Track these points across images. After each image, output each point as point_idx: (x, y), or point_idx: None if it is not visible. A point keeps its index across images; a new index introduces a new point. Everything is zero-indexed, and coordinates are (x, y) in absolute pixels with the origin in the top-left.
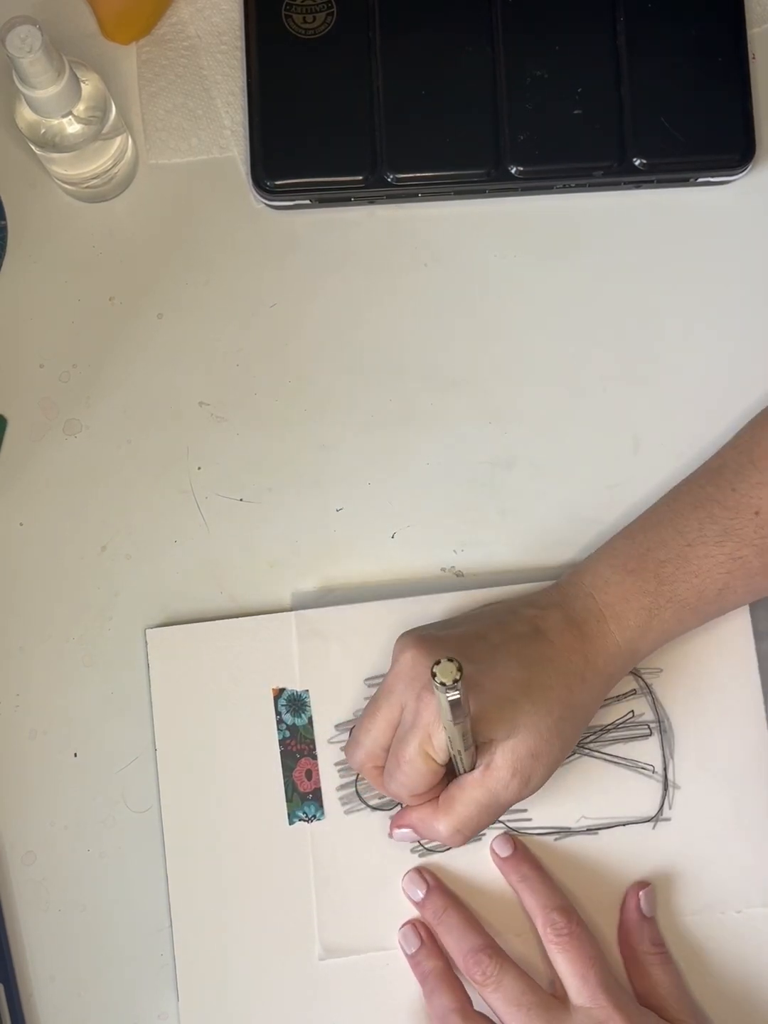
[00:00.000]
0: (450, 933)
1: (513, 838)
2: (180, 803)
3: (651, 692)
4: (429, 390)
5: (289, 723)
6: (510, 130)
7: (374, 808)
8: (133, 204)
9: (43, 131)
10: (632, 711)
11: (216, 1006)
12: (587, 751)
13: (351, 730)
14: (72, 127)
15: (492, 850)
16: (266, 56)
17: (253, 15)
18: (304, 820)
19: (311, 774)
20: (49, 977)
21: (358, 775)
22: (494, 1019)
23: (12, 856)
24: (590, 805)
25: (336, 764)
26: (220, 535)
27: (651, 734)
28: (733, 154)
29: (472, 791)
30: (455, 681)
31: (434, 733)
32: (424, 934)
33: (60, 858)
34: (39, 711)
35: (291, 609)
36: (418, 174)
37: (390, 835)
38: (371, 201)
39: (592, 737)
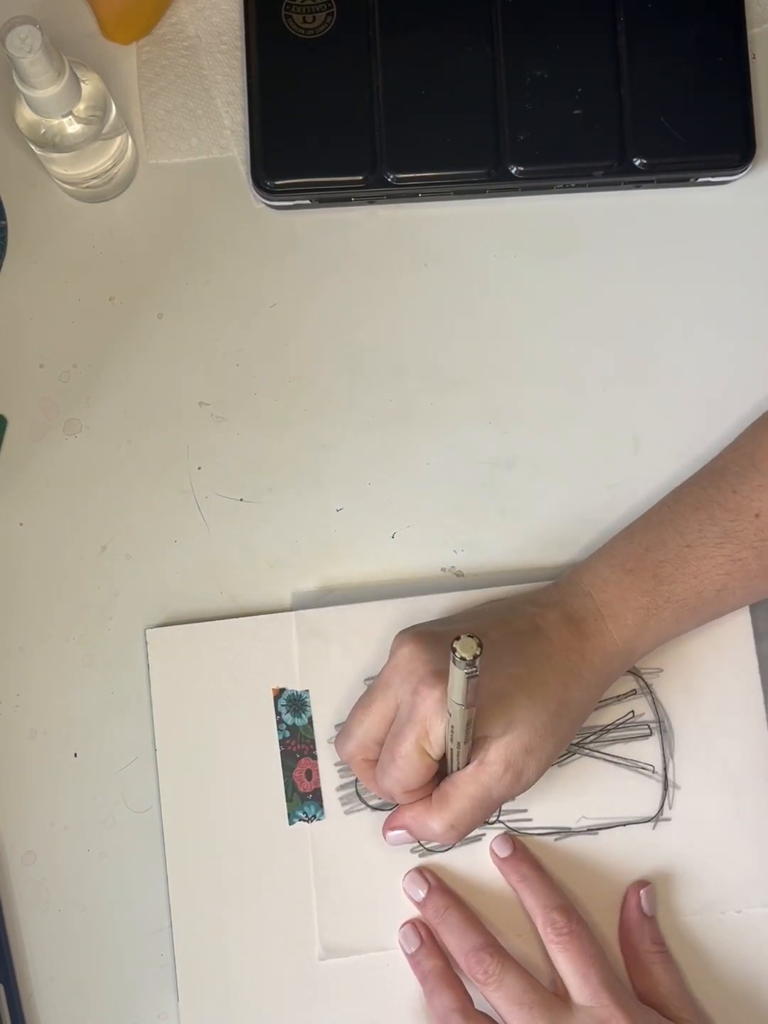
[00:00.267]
0: (452, 932)
1: (512, 838)
2: (180, 803)
3: (651, 692)
4: (429, 390)
5: (289, 723)
6: (510, 130)
7: (374, 808)
8: (133, 204)
9: (43, 131)
10: (632, 711)
11: (216, 1006)
12: (587, 751)
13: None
14: (72, 127)
15: (491, 850)
16: (266, 56)
17: (253, 15)
18: (304, 820)
19: (311, 774)
20: (49, 977)
21: None
22: (496, 1018)
23: (12, 856)
24: (590, 805)
25: (336, 764)
26: (220, 535)
27: (651, 734)
28: (733, 154)
29: (465, 786)
30: (475, 657)
31: (431, 728)
32: (424, 933)
33: (60, 858)
34: (39, 711)
35: (291, 609)
36: (418, 174)
37: (384, 838)
38: (371, 201)
39: (592, 737)
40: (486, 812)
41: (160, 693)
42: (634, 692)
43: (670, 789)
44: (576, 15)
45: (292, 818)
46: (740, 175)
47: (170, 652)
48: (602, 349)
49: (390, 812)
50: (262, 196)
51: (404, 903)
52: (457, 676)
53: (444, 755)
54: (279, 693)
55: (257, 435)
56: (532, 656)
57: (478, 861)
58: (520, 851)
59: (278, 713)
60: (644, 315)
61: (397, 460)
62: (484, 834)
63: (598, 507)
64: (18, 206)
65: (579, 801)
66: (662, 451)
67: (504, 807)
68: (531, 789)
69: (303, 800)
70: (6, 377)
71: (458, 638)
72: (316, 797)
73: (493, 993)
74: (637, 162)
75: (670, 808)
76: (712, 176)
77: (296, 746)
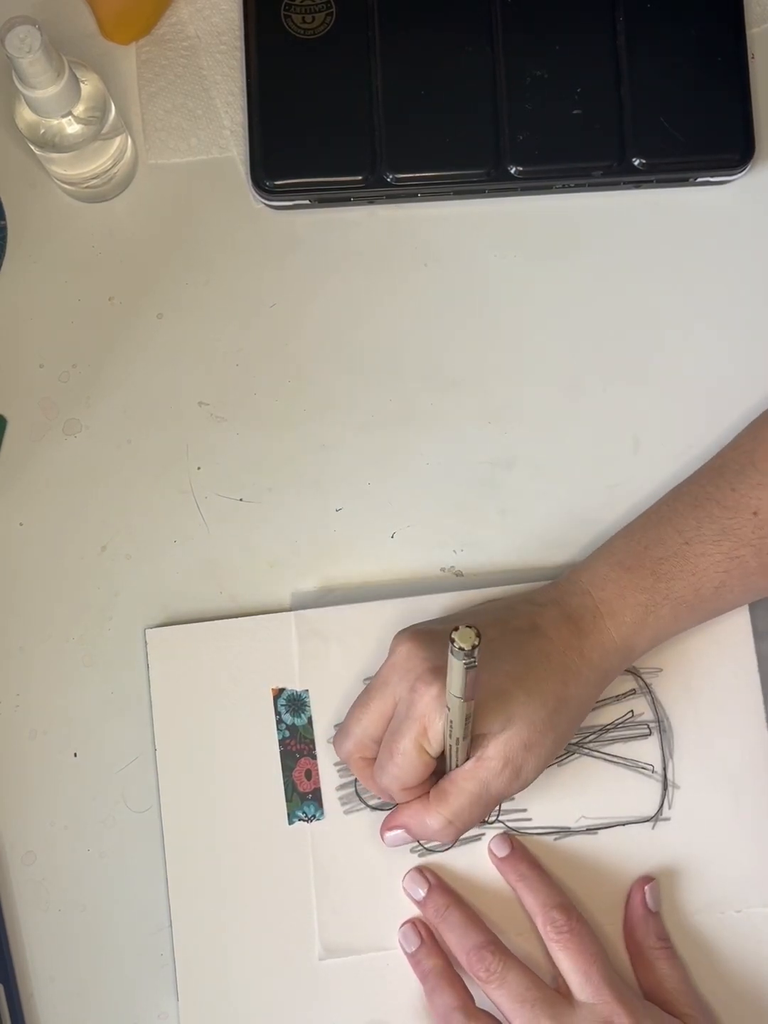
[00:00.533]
0: (453, 931)
1: (511, 838)
2: (180, 803)
3: (651, 692)
4: (429, 390)
5: (289, 723)
6: (510, 130)
7: (374, 808)
8: (133, 204)
9: (43, 131)
10: (632, 711)
11: (216, 1006)
12: (587, 751)
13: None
14: (72, 127)
15: (489, 850)
16: (266, 56)
17: (252, 15)
18: (304, 820)
19: (311, 774)
20: (49, 977)
21: None
22: (498, 1016)
23: (12, 856)
24: (590, 805)
25: (336, 764)
26: (220, 535)
27: (651, 734)
28: (732, 154)
29: (464, 783)
30: (474, 647)
31: (430, 724)
32: (424, 933)
33: (60, 858)
34: (39, 711)
35: (291, 609)
36: (418, 174)
37: (382, 838)
38: (371, 201)
39: (592, 737)
40: (484, 809)
41: (160, 693)
42: (633, 692)
43: (669, 789)
44: (576, 15)
45: (292, 818)
46: (739, 175)
47: (170, 652)
48: (602, 349)
49: (388, 812)
50: (262, 196)
51: (404, 903)
52: (456, 667)
53: (442, 753)
54: (279, 693)
55: (257, 435)
56: (531, 654)
57: (478, 860)
58: (518, 851)
59: (278, 713)
60: (644, 315)
61: (397, 460)
62: (483, 833)
63: (598, 507)
64: (18, 206)
65: (578, 801)
66: (662, 451)
67: (504, 807)
68: (531, 789)
69: (303, 800)
70: (6, 377)
71: (456, 629)
72: (316, 797)
73: (495, 991)
74: (637, 162)
75: (669, 808)
76: (711, 176)
77: (296, 746)
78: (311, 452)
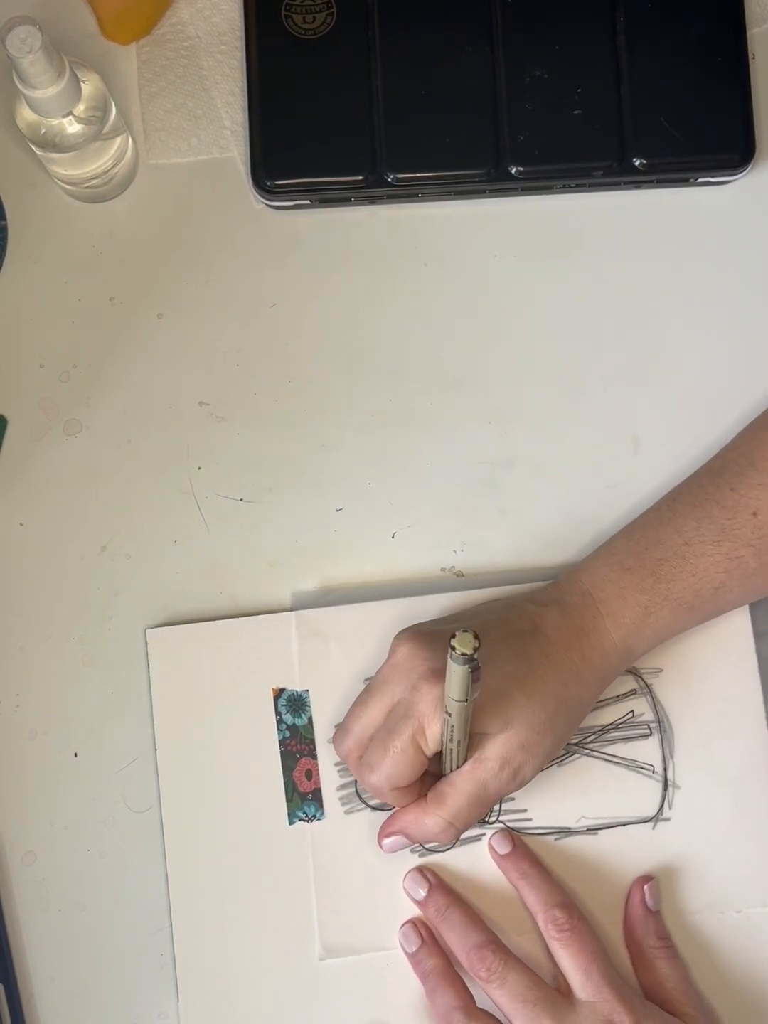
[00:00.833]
0: (453, 930)
1: (512, 835)
2: (180, 803)
3: (651, 692)
4: (429, 390)
5: (289, 723)
6: (510, 130)
7: (374, 808)
8: (133, 204)
9: (43, 131)
10: (632, 711)
11: (216, 1006)
12: (587, 751)
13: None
14: (72, 127)
15: (490, 847)
16: (266, 56)
17: (253, 15)
18: (304, 820)
19: (311, 774)
20: (49, 977)
21: None
22: (499, 1016)
23: (12, 856)
24: (590, 805)
25: (336, 764)
26: (220, 535)
27: (651, 734)
28: (733, 154)
29: (462, 784)
30: (474, 650)
31: (428, 725)
32: (425, 933)
33: (60, 858)
34: (39, 711)
35: (291, 609)
36: (418, 174)
37: (379, 844)
38: (371, 201)
39: (592, 737)
40: (483, 809)
41: (160, 693)
42: (633, 692)
43: (670, 789)
44: (576, 15)
45: (292, 818)
46: (740, 175)
47: (170, 652)
48: (602, 349)
49: (386, 818)
50: (262, 196)
51: (404, 902)
52: (455, 672)
53: (437, 754)
54: (279, 693)
55: (257, 435)
56: (531, 655)
57: (478, 860)
58: (520, 848)
59: (278, 713)
60: (644, 315)
61: (397, 460)
62: (484, 833)
63: (598, 507)
64: (18, 206)
65: (579, 801)
66: (662, 451)
67: (504, 807)
68: (531, 789)
69: (303, 800)
70: (6, 377)
71: (455, 634)
72: (316, 797)
73: (496, 991)
74: (637, 162)
75: (670, 808)
76: (712, 176)
77: (296, 746)
78: (311, 452)
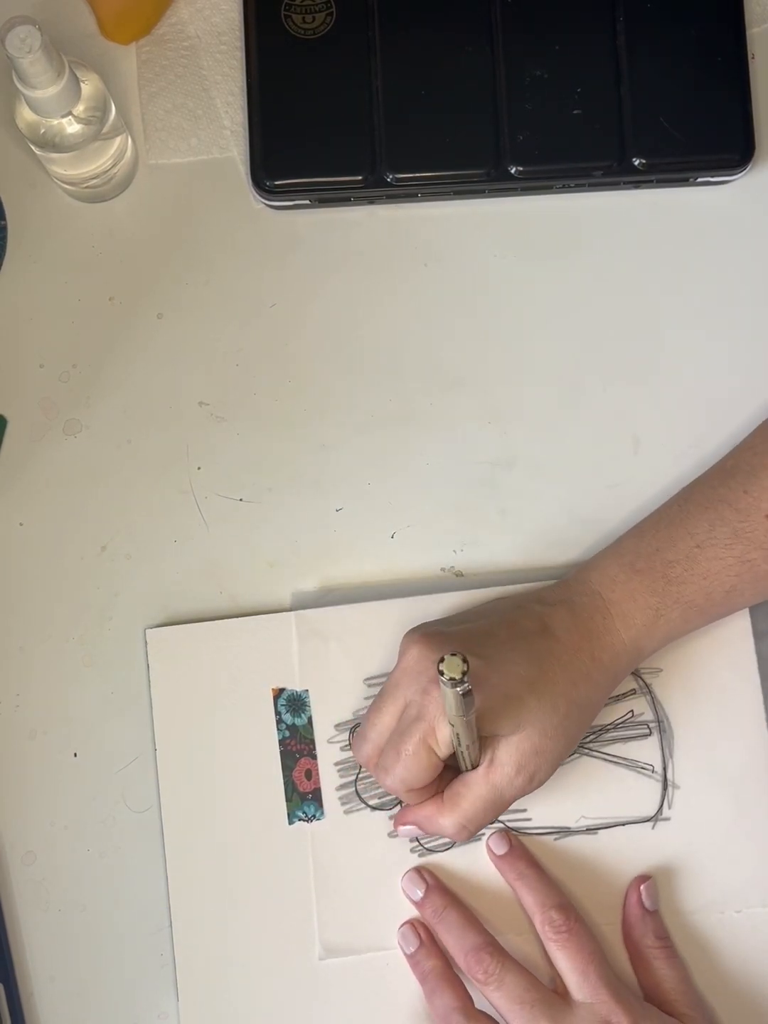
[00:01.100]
0: (450, 932)
1: (509, 835)
2: (180, 803)
3: (650, 692)
4: (429, 390)
5: (289, 723)
6: (510, 130)
7: (374, 808)
8: (133, 204)
9: (43, 131)
10: (631, 711)
11: (216, 1006)
12: (587, 751)
13: (351, 729)
14: (72, 127)
15: (488, 848)
16: (266, 56)
17: (253, 15)
18: (304, 820)
19: (311, 774)
20: (49, 977)
21: (357, 775)
22: (497, 1017)
23: (12, 856)
24: (589, 805)
25: (336, 764)
26: (220, 535)
27: (650, 734)
28: (732, 154)
29: (477, 787)
30: (462, 675)
31: (439, 727)
32: (423, 934)
33: (60, 858)
34: (39, 711)
35: (291, 609)
36: (418, 174)
37: (394, 832)
38: (371, 201)
39: (592, 737)
40: (497, 812)
41: (160, 693)
42: (633, 692)
43: (669, 789)
44: (576, 15)
45: (292, 818)
46: (739, 175)
47: (170, 652)
48: (602, 349)
49: (396, 809)
50: (262, 196)
51: (404, 903)
52: (447, 695)
53: (451, 754)
54: (279, 693)
55: (257, 435)
56: (541, 655)
57: (477, 860)
58: (517, 848)
59: (278, 713)
60: (644, 315)
61: (397, 460)
62: (483, 833)
63: (598, 507)
64: (18, 206)
65: (579, 801)
66: (662, 451)
67: None
68: None
69: (303, 800)
70: (6, 377)
71: (443, 658)
72: (316, 797)
73: (493, 992)
74: (637, 162)
75: (669, 808)
76: (711, 176)
77: (296, 746)
78: (311, 452)
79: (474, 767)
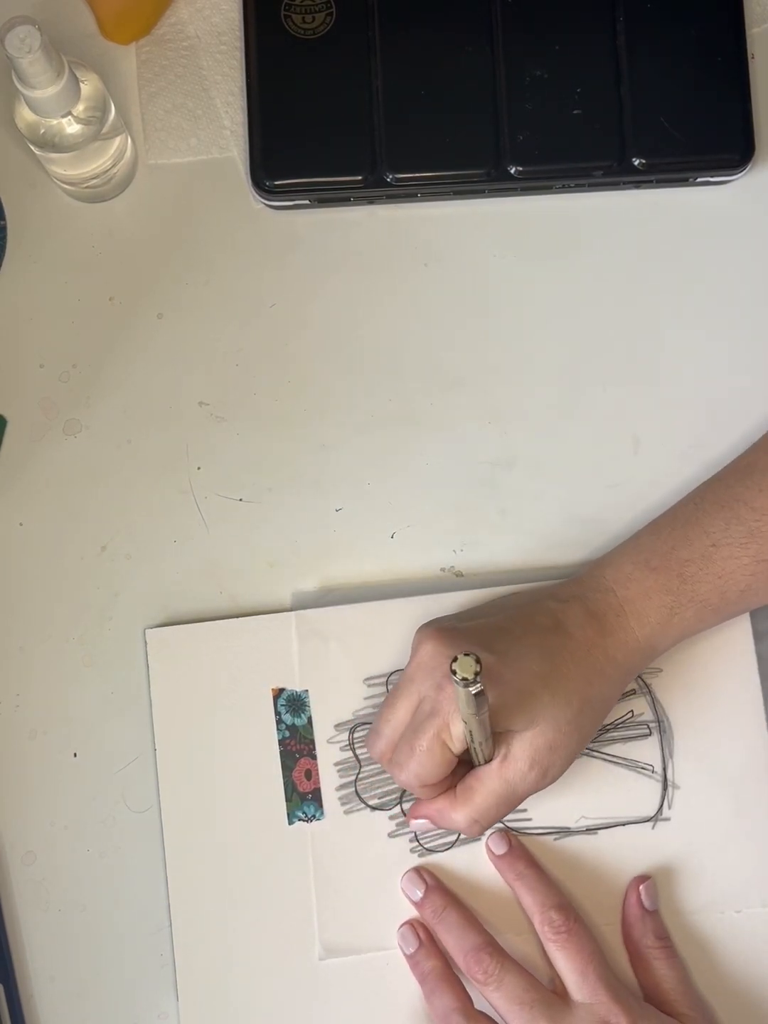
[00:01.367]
0: (450, 932)
1: (508, 835)
2: (180, 803)
3: (650, 692)
4: (429, 390)
5: (288, 723)
6: (510, 130)
7: (374, 808)
8: (133, 204)
9: (43, 131)
10: (631, 711)
11: (216, 1006)
12: (587, 751)
13: (351, 729)
14: (71, 127)
15: (487, 847)
16: (266, 56)
17: (252, 15)
18: (304, 820)
19: (311, 774)
20: (49, 977)
21: (357, 775)
22: (496, 1018)
23: (12, 856)
24: (589, 805)
25: (335, 764)
26: (220, 535)
27: (650, 734)
28: (732, 154)
29: (490, 782)
30: (475, 675)
31: (452, 722)
32: (423, 934)
33: (60, 858)
34: (39, 711)
35: (291, 609)
36: (418, 174)
37: (407, 824)
38: (371, 201)
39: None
40: (510, 807)
41: (160, 693)
42: (633, 692)
43: (669, 789)
44: (576, 15)
45: (292, 818)
46: (739, 175)
47: (170, 652)
48: (602, 349)
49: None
50: (262, 196)
51: (404, 903)
52: (459, 694)
53: (465, 750)
54: (278, 693)
55: (257, 435)
56: (555, 652)
57: (476, 861)
58: (516, 848)
59: (277, 713)
60: (644, 315)
61: (397, 460)
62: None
63: (598, 507)
64: (18, 206)
65: (578, 801)
66: (662, 451)
67: None
68: None
69: (303, 800)
70: (6, 377)
71: (456, 657)
72: (315, 797)
73: (492, 993)
74: (636, 162)
75: (669, 808)
76: (711, 176)
77: (295, 746)
78: (311, 452)
79: (488, 762)
